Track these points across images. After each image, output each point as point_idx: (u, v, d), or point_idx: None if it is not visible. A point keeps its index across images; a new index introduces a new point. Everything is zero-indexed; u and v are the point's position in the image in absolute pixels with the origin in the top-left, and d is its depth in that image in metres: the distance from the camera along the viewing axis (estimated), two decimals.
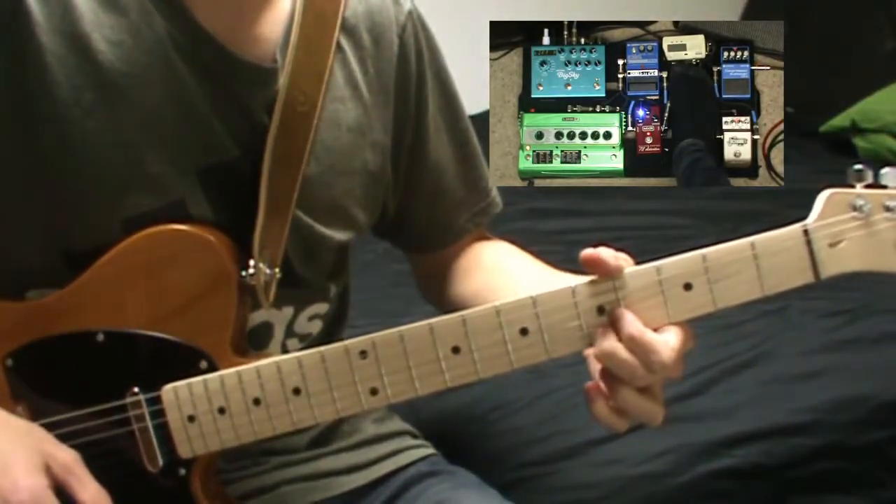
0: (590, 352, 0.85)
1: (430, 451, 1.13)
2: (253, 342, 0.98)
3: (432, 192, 1.09)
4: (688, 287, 0.82)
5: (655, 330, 0.82)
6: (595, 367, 0.85)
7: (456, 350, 0.84)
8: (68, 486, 0.84)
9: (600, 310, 0.83)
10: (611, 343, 0.81)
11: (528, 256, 1.12)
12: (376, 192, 1.05)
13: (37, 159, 0.88)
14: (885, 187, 0.80)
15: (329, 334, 1.07)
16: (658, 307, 0.82)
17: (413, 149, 1.06)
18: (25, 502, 0.80)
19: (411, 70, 1.05)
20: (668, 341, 0.81)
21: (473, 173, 1.13)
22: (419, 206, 1.10)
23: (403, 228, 1.11)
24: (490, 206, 1.15)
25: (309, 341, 1.04)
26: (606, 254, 0.82)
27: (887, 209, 0.80)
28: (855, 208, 0.80)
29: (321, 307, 1.05)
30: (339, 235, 1.02)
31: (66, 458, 0.85)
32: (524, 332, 0.83)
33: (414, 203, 1.09)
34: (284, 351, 1.02)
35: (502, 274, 1.09)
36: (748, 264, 0.81)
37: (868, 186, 0.81)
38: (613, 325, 0.82)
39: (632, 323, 0.81)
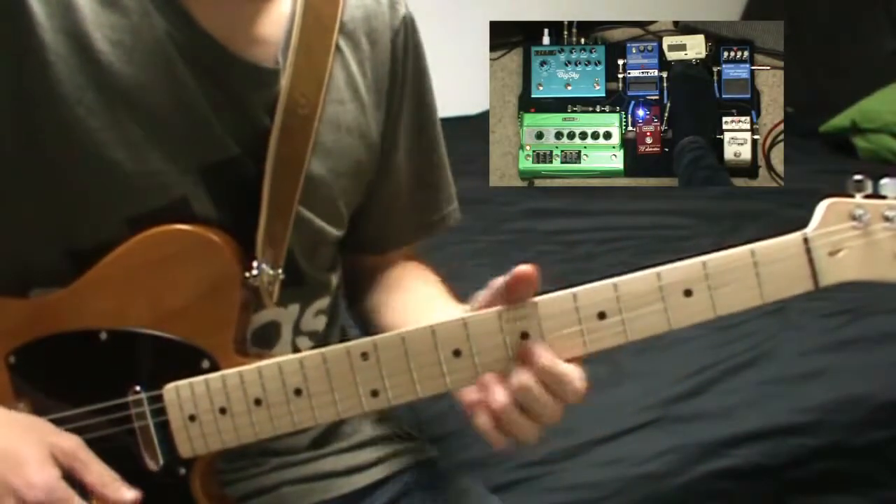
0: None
1: (431, 452, 1.13)
2: (261, 342, 0.98)
3: (389, 197, 1.09)
4: (688, 293, 0.82)
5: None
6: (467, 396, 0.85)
7: (457, 353, 0.84)
8: (75, 472, 0.84)
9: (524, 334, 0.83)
10: (527, 377, 0.82)
11: (436, 285, 1.11)
12: (360, 191, 1.05)
13: (39, 159, 0.88)
14: (884, 197, 0.81)
15: (330, 326, 1.07)
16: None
17: (384, 152, 1.06)
18: (41, 498, 0.81)
19: (398, 75, 1.05)
20: (576, 370, 0.82)
21: (432, 185, 1.12)
22: (373, 208, 1.09)
23: (353, 227, 1.09)
24: (441, 221, 1.14)
25: (317, 339, 1.04)
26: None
27: (886, 219, 0.80)
28: (854, 218, 0.80)
29: (324, 301, 1.05)
30: (335, 231, 1.03)
31: (70, 444, 0.85)
32: (524, 335, 0.84)
33: (369, 205, 1.08)
34: (295, 350, 1.02)
35: (415, 300, 1.08)
36: (748, 272, 0.81)
37: (868, 196, 0.81)
38: (524, 358, 0.82)
39: (544, 354, 0.82)
